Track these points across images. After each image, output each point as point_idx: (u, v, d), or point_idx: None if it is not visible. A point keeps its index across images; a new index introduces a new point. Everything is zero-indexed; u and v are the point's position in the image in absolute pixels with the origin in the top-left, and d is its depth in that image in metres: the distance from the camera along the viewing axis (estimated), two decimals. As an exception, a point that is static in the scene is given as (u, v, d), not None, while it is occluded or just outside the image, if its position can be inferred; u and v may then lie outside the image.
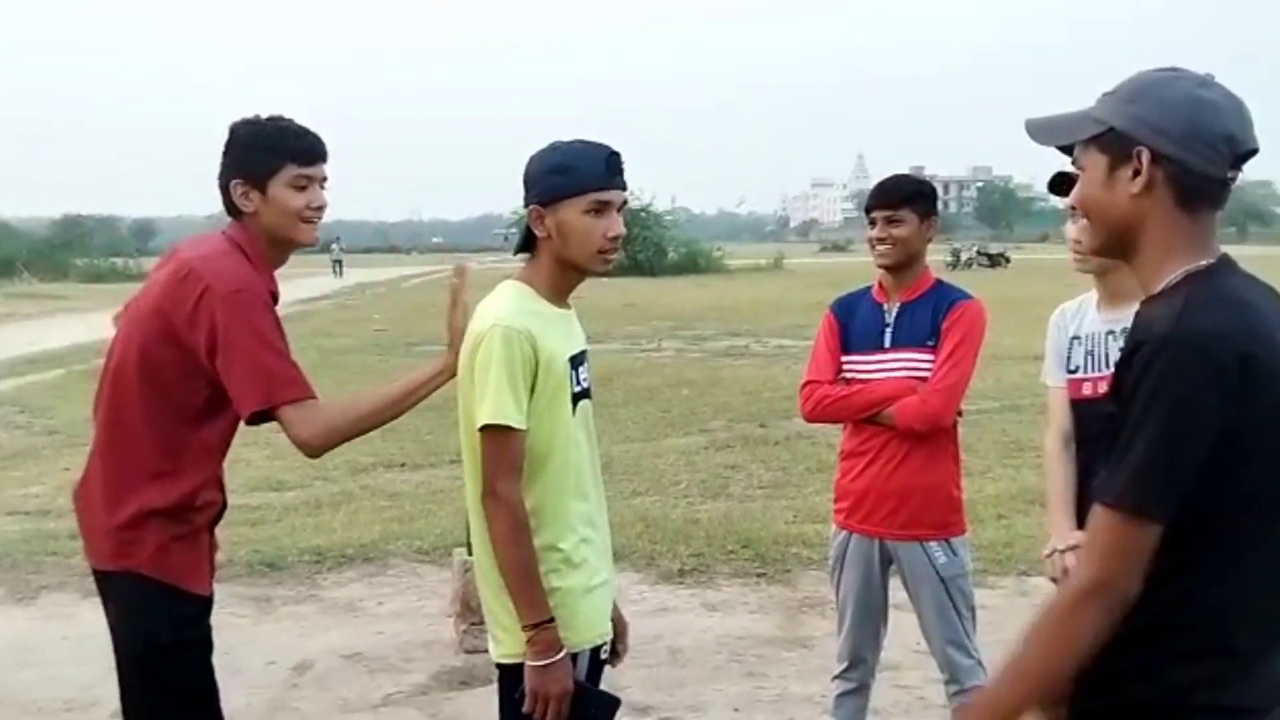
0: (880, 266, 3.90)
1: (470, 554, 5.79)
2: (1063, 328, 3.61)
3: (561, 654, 2.72)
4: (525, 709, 2.73)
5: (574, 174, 2.77)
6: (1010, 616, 5.93)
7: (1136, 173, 1.98)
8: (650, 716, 5.00)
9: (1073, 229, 3.36)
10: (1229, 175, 2.01)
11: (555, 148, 2.84)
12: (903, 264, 3.86)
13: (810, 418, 4.00)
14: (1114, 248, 2.11)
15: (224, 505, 3.24)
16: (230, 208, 3.10)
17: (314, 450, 2.98)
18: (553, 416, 2.79)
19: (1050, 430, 3.63)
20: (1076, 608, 1.93)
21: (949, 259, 52.53)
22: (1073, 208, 2.25)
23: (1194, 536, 1.91)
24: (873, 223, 3.89)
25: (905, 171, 4.14)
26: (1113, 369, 2.08)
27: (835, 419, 3.97)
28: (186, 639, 3.07)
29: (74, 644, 5.92)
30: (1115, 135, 2.01)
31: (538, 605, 2.72)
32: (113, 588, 3.09)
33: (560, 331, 2.85)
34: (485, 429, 2.72)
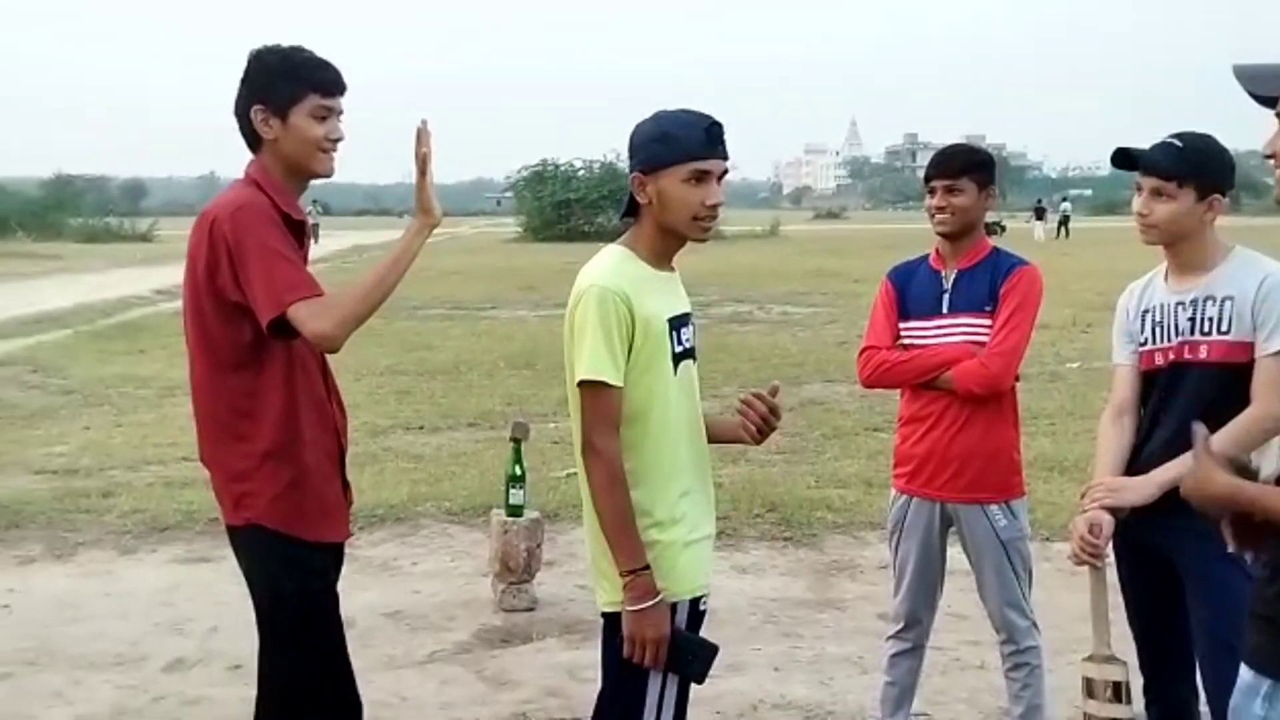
0: (939, 234, 3.94)
1: (508, 514, 5.92)
2: (1131, 308, 3.58)
3: (658, 599, 2.79)
4: (625, 654, 2.82)
5: (674, 143, 2.81)
6: (1040, 585, 6.05)
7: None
8: (694, 674, 5.10)
9: (1138, 202, 3.40)
10: None
11: (658, 117, 2.89)
12: (960, 232, 3.90)
13: (868, 383, 4.04)
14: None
15: (340, 444, 3.29)
16: (249, 135, 3.12)
17: (335, 340, 2.96)
18: (652, 375, 2.86)
19: (1109, 405, 3.65)
20: None
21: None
22: (1269, 155, 2.31)
23: None
24: (932, 191, 3.91)
25: (961, 141, 4.17)
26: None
27: (893, 384, 4.01)
28: (312, 589, 3.16)
29: (116, 600, 6.00)
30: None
31: (633, 552, 2.79)
32: (239, 543, 3.17)
33: (660, 293, 2.91)
34: (582, 385, 2.81)
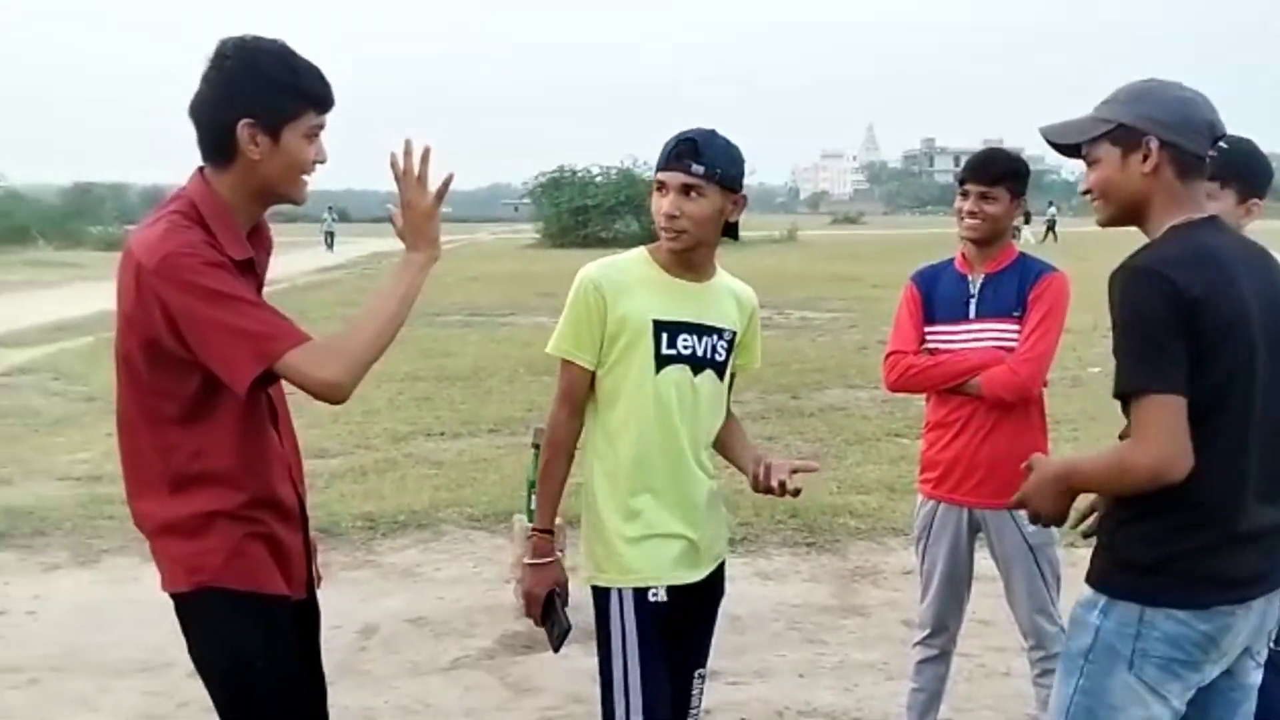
0: (968, 240, 3.93)
1: (529, 521, 5.91)
2: None
3: (548, 560, 3.14)
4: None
5: (659, 156, 3.01)
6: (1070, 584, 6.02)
7: (1146, 157, 2.55)
8: (718, 679, 5.02)
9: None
10: (1210, 153, 2.64)
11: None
12: (990, 239, 3.90)
13: (894, 387, 4.04)
14: (1127, 217, 2.67)
15: (299, 493, 2.87)
16: (218, 149, 2.62)
17: (344, 389, 2.54)
18: (624, 368, 3.02)
19: None
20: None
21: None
22: (1086, 191, 2.71)
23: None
24: (965, 195, 3.90)
25: (998, 146, 4.15)
26: None
27: (920, 389, 4.01)
28: (279, 650, 2.77)
29: (142, 608, 5.98)
30: (1124, 130, 2.59)
31: (545, 517, 3.17)
32: (188, 613, 2.74)
33: (659, 295, 3.03)
34: (553, 355, 3.10)
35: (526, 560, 3.19)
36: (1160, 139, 2.56)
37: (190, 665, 2.84)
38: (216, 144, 2.62)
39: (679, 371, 3.02)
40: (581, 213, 49.75)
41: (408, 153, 2.67)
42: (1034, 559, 3.90)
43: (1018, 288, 3.87)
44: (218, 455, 2.63)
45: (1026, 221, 51.56)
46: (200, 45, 2.67)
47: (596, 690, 3.06)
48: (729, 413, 3.27)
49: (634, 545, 3.00)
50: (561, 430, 3.12)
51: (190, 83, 2.65)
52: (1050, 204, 60.40)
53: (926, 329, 3.98)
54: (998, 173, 3.88)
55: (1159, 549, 2.56)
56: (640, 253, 3.13)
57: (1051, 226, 53.38)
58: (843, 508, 7.61)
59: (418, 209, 2.69)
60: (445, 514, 7.63)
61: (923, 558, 4.08)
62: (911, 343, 3.98)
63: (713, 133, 2.99)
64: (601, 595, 3.04)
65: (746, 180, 3.07)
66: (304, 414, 9.60)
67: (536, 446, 6.01)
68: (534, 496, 5.85)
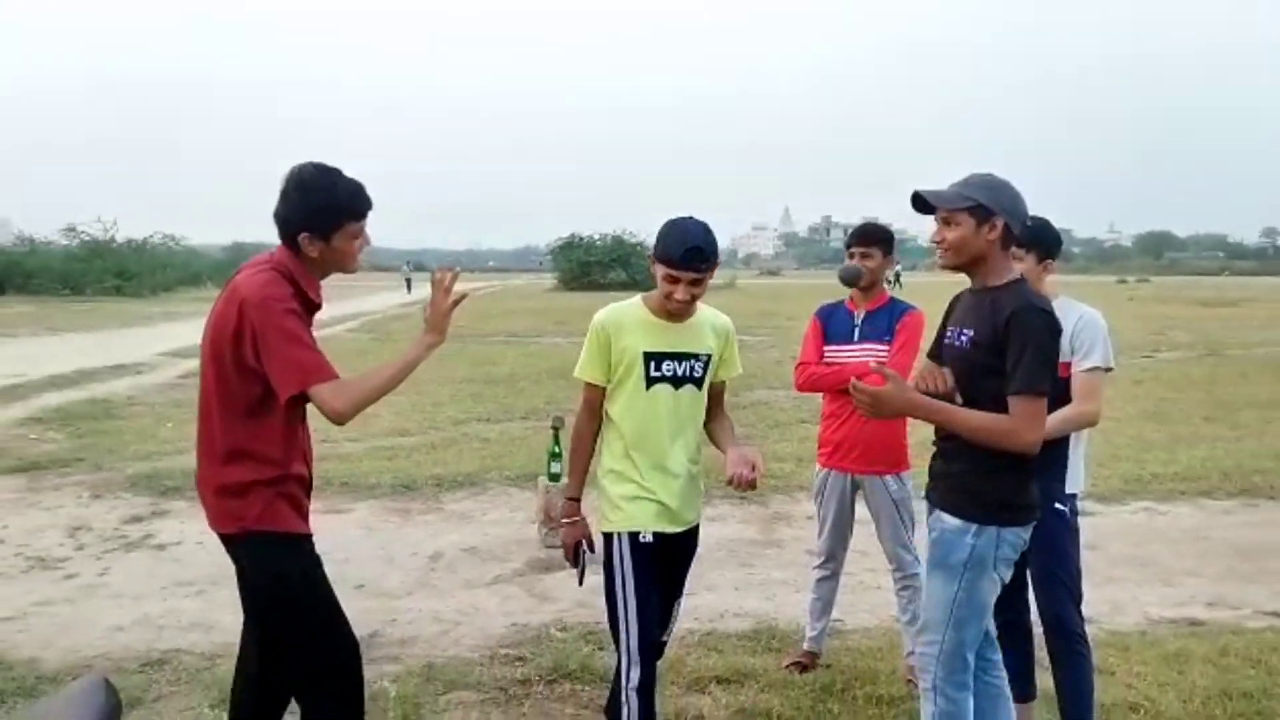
0: (858, 289, 3.91)
1: (550, 479, 5.88)
2: None
3: (576, 519, 3.06)
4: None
5: (666, 248, 2.85)
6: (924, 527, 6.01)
7: (992, 229, 2.65)
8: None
9: (1024, 268, 3.33)
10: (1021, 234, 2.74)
11: (672, 224, 2.88)
12: (869, 285, 3.90)
13: (802, 388, 4.01)
14: (965, 267, 2.72)
15: (310, 473, 2.81)
16: (288, 241, 2.69)
17: (345, 417, 2.59)
18: (622, 388, 2.98)
19: None
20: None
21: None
22: (939, 241, 2.72)
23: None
24: (851, 255, 3.89)
25: (873, 220, 4.14)
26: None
27: (819, 389, 3.99)
28: (307, 567, 2.73)
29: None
30: (982, 208, 2.65)
31: (573, 487, 3.08)
32: (238, 549, 2.73)
33: (649, 333, 2.97)
34: (578, 377, 3.05)
35: (562, 519, 3.09)
36: (1004, 220, 2.66)
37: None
38: (286, 239, 2.69)
39: (664, 388, 2.96)
40: (586, 266, 49.77)
41: (445, 270, 2.80)
42: (896, 509, 3.89)
43: (889, 320, 3.87)
44: (265, 442, 2.65)
45: (897, 278, 51.80)
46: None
47: (601, 602, 3.02)
48: (721, 411, 3.16)
49: (628, 502, 2.96)
50: (584, 429, 3.08)
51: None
52: (897, 262, 60.12)
53: (825, 347, 3.97)
54: (875, 238, 3.88)
55: (1010, 491, 2.68)
56: (637, 301, 3.04)
57: (898, 277, 53.21)
58: (768, 473, 7.52)
59: (440, 309, 2.79)
60: (490, 475, 7.56)
61: (820, 507, 4.08)
62: (814, 356, 3.97)
63: (706, 230, 2.86)
64: (607, 539, 3.00)
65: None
66: (392, 405, 9.65)
67: (555, 428, 6.02)
68: (552, 464, 5.88)
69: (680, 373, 2.99)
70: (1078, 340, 3.21)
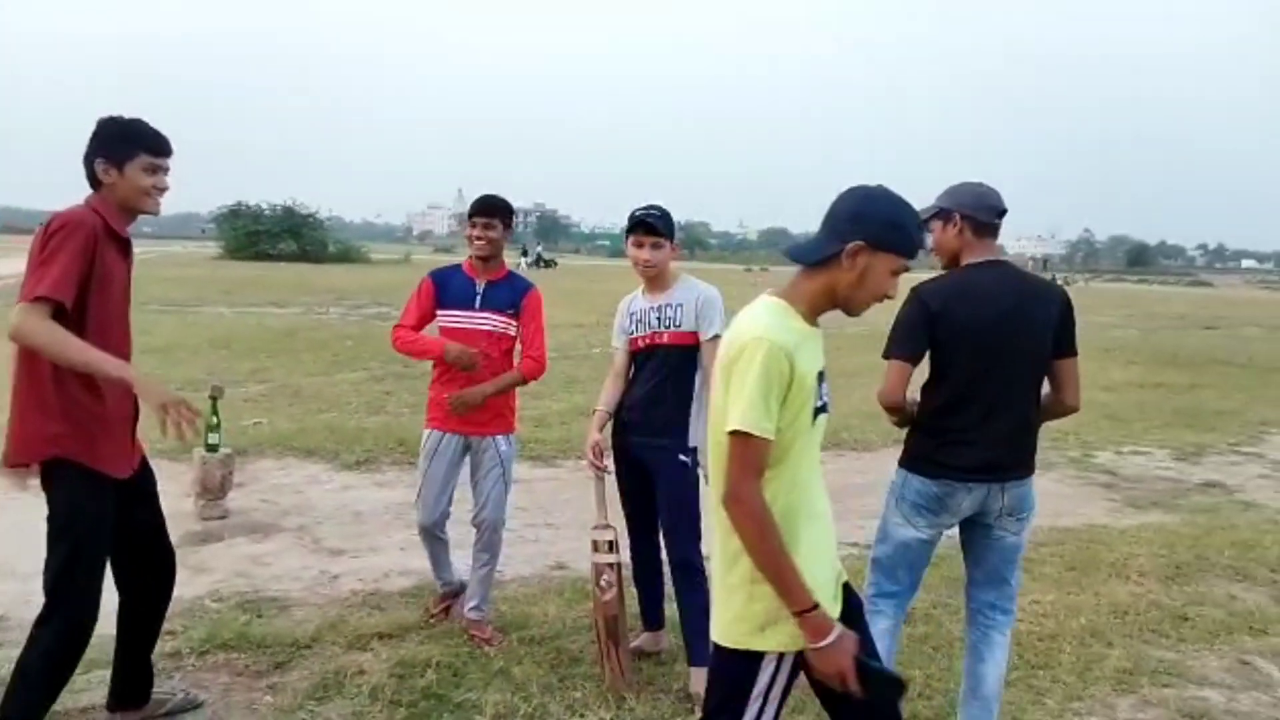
0: (477, 257, 3.89)
1: (207, 450, 5.51)
2: (624, 310, 3.75)
3: (835, 634, 2.01)
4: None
5: (904, 236, 2.10)
6: (572, 486, 6.31)
7: (955, 225, 2.94)
8: (344, 555, 4.95)
9: (640, 253, 3.55)
10: (996, 221, 2.97)
11: (897, 204, 2.12)
12: (492, 255, 3.88)
13: (397, 350, 3.95)
14: (949, 262, 2.98)
15: (136, 406, 2.92)
16: (92, 179, 2.80)
17: (10, 333, 2.60)
18: (795, 426, 2.06)
19: (610, 369, 3.78)
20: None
21: (521, 255, 50.24)
22: (932, 250, 3.00)
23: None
24: (474, 224, 3.87)
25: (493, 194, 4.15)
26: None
27: (410, 355, 3.93)
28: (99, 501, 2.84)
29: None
30: (943, 211, 2.96)
31: (799, 594, 1.99)
32: (46, 474, 2.78)
33: (811, 350, 2.10)
34: (734, 433, 2.00)
35: (813, 646, 2.01)
36: (961, 214, 2.94)
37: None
38: (89, 176, 2.81)
39: (822, 419, 2.18)
40: (254, 235, 46.36)
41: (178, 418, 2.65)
42: (501, 465, 3.93)
43: (510, 293, 3.90)
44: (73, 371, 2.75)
45: (524, 254, 49.44)
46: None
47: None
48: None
49: (809, 568, 2.11)
50: (761, 507, 2.03)
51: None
52: (539, 244, 56.98)
53: (441, 312, 3.89)
54: (496, 208, 3.87)
55: (914, 444, 3.03)
56: (784, 306, 2.12)
57: (539, 259, 51.33)
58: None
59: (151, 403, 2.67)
60: (141, 449, 6.89)
61: (427, 469, 4.01)
62: (413, 320, 3.91)
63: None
64: (753, 658, 2.12)
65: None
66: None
67: (213, 398, 5.68)
68: (210, 435, 5.51)
69: (830, 395, 2.27)
70: (701, 313, 3.53)
